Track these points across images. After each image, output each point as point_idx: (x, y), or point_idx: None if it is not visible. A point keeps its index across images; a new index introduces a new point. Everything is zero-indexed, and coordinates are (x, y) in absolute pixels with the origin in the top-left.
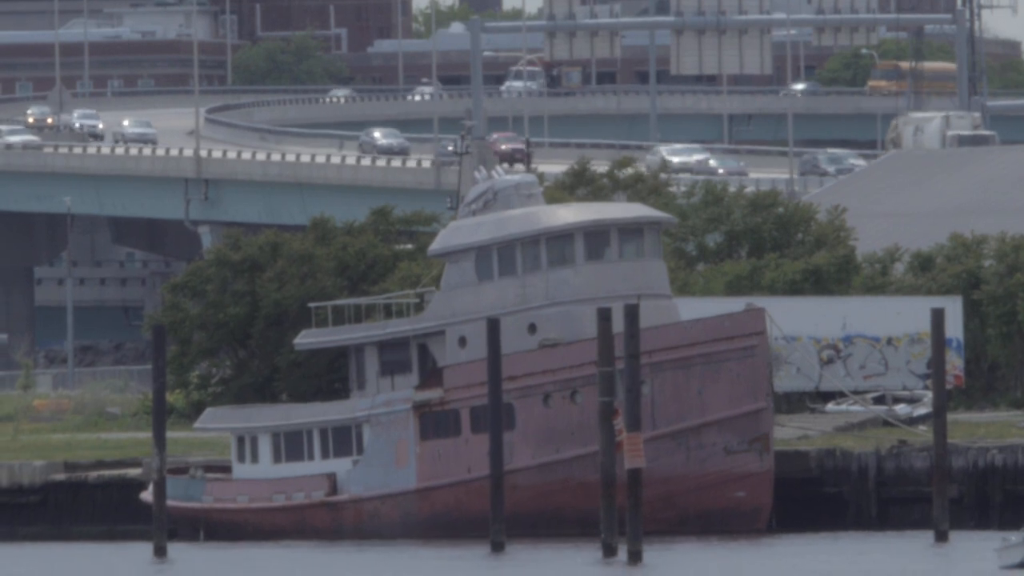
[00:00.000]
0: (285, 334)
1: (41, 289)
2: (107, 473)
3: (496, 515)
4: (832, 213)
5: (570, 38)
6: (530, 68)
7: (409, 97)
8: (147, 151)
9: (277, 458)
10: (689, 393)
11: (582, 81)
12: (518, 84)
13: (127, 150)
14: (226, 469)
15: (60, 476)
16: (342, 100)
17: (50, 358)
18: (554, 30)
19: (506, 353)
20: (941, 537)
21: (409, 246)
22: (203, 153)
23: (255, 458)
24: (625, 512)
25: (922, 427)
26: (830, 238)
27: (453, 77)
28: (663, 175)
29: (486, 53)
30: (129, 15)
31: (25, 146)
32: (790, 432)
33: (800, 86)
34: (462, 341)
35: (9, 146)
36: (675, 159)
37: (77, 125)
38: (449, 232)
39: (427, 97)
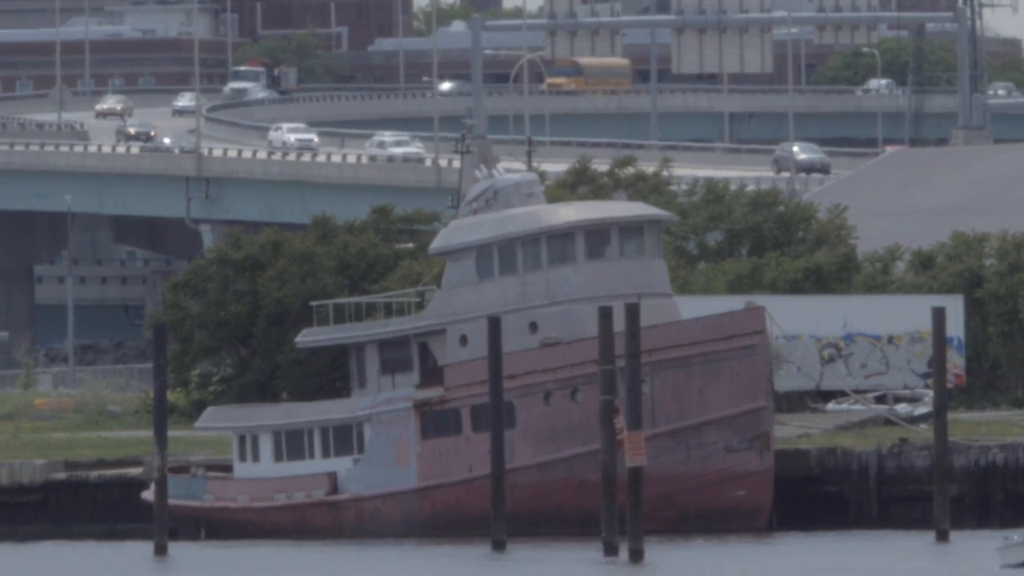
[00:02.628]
0: (286, 333)
1: (42, 287)
2: (108, 472)
3: (497, 514)
4: (833, 212)
5: (571, 37)
6: (253, 68)
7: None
8: (148, 149)
9: (278, 457)
10: (689, 392)
11: (297, 81)
12: (245, 84)
13: (128, 148)
14: (227, 468)
15: (61, 475)
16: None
17: (51, 357)
18: (555, 29)
19: (507, 352)
20: (942, 536)
21: (410, 245)
22: (204, 151)
23: (256, 457)
24: (626, 511)
25: (923, 426)
26: (831, 237)
27: (454, 75)
28: (664, 173)
29: (487, 51)
30: (130, 13)
31: (406, 159)
32: (791, 431)
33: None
34: (463, 340)
35: (391, 158)
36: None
37: (289, 140)
38: (450, 231)
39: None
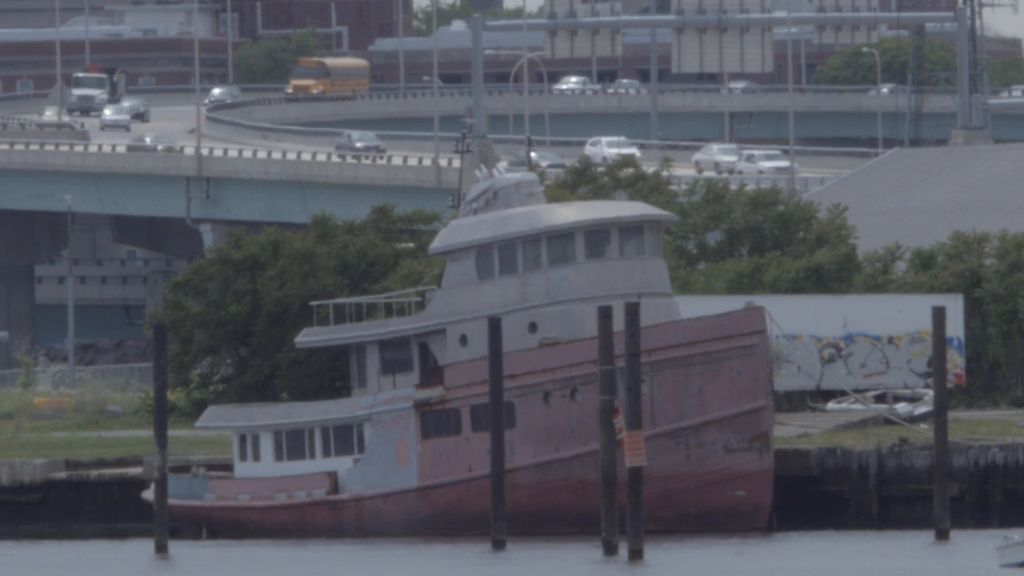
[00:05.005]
0: (286, 332)
1: (42, 287)
2: (108, 471)
3: (497, 513)
4: (833, 211)
5: (571, 36)
6: (94, 74)
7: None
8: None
9: (279, 457)
10: (689, 391)
11: (125, 86)
12: (89, 91)
13: (128, 148)
14: (228, 468)
15: (61, 474)
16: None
17: (51, 356)
18: (555, 28)
19: (507, 352)
20: (942, 536)
21: (410, 244)
22: (204, 151)
23: (257, 457)
24: (625, 510)
25: (923, 425)
26: (831, 236)
27: (454, 75)
28: (664, 173)
29: (487, 51)
30: (130, 13)
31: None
32: (791, 431)
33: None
34: (463, 340)
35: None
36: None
37: (609, 154)
38: (450, 230)
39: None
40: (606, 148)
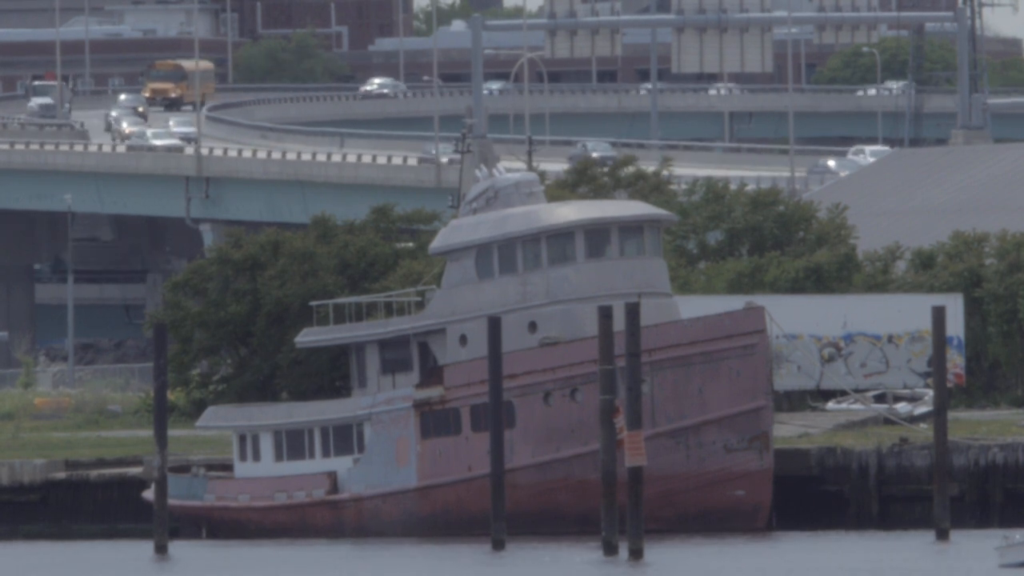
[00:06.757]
0: (286, 332)
1: (42, 287)
2: (108, 471)
3: (497, 513)
4: (833, 211)
5: (571, 36)
6: (51, 82)
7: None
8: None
9: (279, 457)
10: (689, 391)
11: (62, 97)
12: (45, 99)
13: (128, 148)
14: (228, 468)
15: (61, 474)
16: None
17: (51, 356)
18: (555, 28)
19: (506, 351)
20: (942, 536)
21: (410, 244)
22: (204, 151)
23: (257, 457)
24: (625, 510)
25: (923, 425)
26: (831, 236)
27: (454, 75)
28: (664, 172)
29: (487, 51)
30: (130, 13)
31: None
32: (791, 430)
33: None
34: (463, 339)
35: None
36: None
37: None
38: (450, 230)
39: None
40: (869, 156)
